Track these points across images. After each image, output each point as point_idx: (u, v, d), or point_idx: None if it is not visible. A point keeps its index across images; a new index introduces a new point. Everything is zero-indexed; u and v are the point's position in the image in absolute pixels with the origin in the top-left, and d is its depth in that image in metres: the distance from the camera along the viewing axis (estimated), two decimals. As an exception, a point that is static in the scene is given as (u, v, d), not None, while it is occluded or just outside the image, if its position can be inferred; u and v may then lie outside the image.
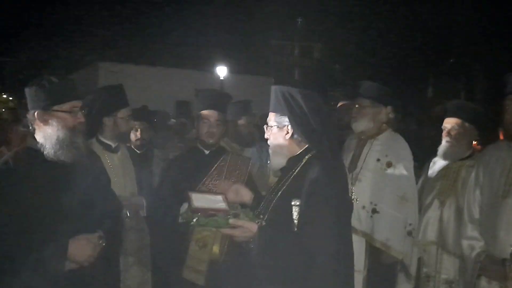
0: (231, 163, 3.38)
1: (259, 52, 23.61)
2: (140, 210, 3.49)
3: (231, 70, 22.04)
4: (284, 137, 2.40)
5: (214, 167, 3.34)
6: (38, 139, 2.38)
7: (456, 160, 3.62)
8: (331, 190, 2.24)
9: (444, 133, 3.66)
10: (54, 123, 2.36)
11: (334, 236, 2.20)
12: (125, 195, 3.37)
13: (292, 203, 2.25)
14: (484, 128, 3.68)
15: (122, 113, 3.39)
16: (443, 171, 3.66)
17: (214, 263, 3.15)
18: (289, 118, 2.36)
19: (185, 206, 3.10)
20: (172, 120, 8.37)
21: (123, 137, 3.45)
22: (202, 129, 3.34)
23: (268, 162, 2.53)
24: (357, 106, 3.74)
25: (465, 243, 3.11)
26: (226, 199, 2.42)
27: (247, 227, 2.25)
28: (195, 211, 2.27)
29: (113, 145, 3.42)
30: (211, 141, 3.34)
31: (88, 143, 2.53)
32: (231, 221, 2.24)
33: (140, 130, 4.14)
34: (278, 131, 2.41)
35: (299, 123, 2.36)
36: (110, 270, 2.78)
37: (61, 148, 2.35)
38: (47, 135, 2.36)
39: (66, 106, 2.39)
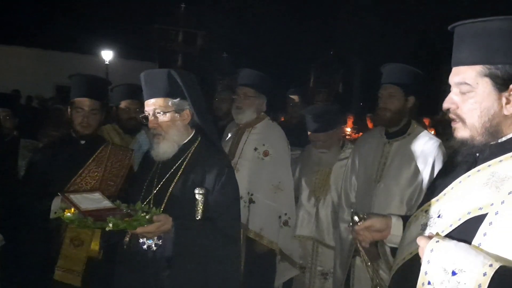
0: (111, 154, 3.16)
1: (144, 37, 22.81)
2: None
3: (117, 55, 21.05)
4: (183, 122, 2.31)
5: (92, 158, 3.09)
6: None
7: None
8: (234, 178, 2.38)
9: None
10: None
11: (239, 221, 2.46)
12: None
13: (196, 191, 2.17)
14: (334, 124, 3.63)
15: None
16: (316, 167, 3.67)
17: (92, 261, 2.94)
18: (191, 102, 2.27)
19: (56, 202, 2.82)
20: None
21: None
22: (76, 118, 3.01)
23: (153, 151, 2.33)
24: (241, 95, 3.62)
25: (342, 226, 3.25)
26: (102, 195, 2.20)
27: (165, 221, 2.07)
28: (86, 214, 1.98)
29: None
30: (86, 132, 3.04)
31: None
32: (154, 217, 2.02)
33: (2, 118, 3.69)
34: (174, 116, 2.27)
35: (198, 106, 2.29)
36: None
37: None
38: None
39: None
